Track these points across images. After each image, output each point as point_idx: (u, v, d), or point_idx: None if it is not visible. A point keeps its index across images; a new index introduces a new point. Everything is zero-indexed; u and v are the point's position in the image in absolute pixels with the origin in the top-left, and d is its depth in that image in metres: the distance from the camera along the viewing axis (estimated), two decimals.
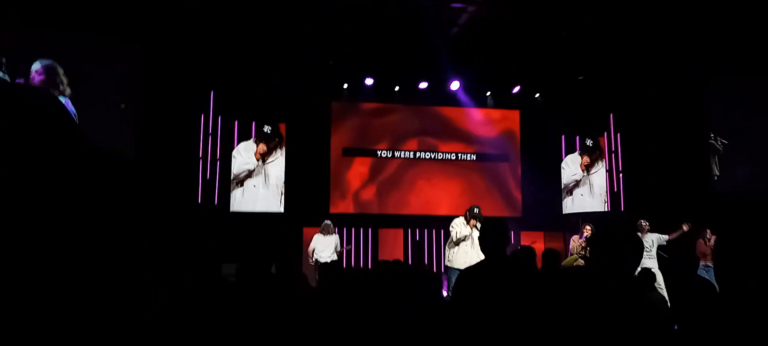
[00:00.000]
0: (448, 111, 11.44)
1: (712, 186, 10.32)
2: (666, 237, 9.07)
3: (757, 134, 9.99)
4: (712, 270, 8.95)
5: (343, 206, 10.80)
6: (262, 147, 10.26)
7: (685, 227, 8.92)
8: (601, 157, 11.45)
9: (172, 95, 8.90)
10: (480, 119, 11.58)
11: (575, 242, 9.26)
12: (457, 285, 3.83)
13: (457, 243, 7.78)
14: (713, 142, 10.32)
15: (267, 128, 10.26)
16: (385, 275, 3.71)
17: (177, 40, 8.83)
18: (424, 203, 11.08)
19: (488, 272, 3.55)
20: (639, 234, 8.94)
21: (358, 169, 10.98)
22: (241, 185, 10.10)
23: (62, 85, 7.66)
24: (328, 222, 9.02)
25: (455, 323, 3.30)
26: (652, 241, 8.97)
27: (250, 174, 10.15)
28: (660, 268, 8.93)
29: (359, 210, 10.86)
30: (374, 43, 9.32)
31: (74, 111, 7.18)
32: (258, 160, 10.20)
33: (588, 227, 9.24)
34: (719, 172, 10.30)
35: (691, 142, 10.54)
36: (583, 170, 11.49)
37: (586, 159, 11.49)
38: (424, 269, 5.92)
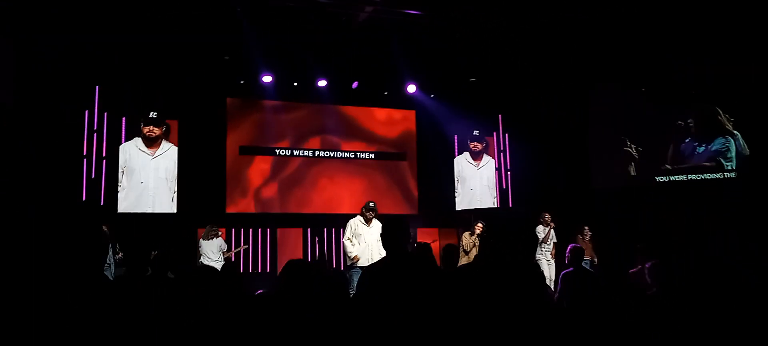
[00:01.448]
0: (348, 110, 11.49)
1: (594, 183, 11.20)
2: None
3: (633, 135, 11.01)
4: (589, 263, 9.69)
5: (243, 205, 10.55)
6: (149, 129, 9.71)
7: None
8: (487, 150, 11.97)
9: (51, 91, 8.32)
10: (379, 118, 11.74)
11: (467, 238, 9.66)
12: (361, 283, 3.89)
13: (352, 241, 8.09)
14: (628, 149, 11.16)
15: (153, 114, 9.77)
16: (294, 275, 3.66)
17: (56, 32, 8.23)
18: (326, 201, 11.07)
19: (390, 269, 3.64)
20: (541, 228, 9.53)
21: (260, 167, 10.76)
22: (125, 174, 9.54)
23: None
24: (213, 226, 9.01)
25: (360, 320, 3.35)
26: (552, 235, 9.59)
27: (130, 163, 9.60)
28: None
29: (260, 208, 10.64)
30: (272, 38, 9.18)
31: None
32: (146, 145, 9.68)
33: (480, 224, 9.68)
34: (636, 173, 11.13)
35: (574, 141, 11.37)
36: (474, 159, 11.90)
37: (475, 145, 11.92)
38: (329, 268, 5.94)
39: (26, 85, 7.97)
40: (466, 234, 9.69)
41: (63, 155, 8.77)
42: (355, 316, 3.42)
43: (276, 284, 3.60)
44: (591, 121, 11.32)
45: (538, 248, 9.58)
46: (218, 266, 8.38)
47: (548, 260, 9.48)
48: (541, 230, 9.57)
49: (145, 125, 9.71)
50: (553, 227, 9.61)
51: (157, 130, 9.78)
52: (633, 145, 11.04)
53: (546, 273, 9.34)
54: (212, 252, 8.97)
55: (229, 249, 9.54)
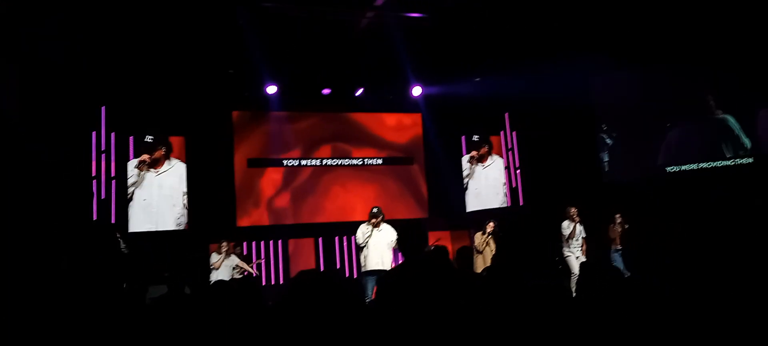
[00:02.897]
0: (356, 117, 11.48)
1: (603, 177, 11.05)
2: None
3: (638, 126, 10.86)
4: (621, 253, 9.53)
5: (256, 216, 10.54)
6: (144, 157, 9.70)
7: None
8: (491, 151, 11.90)
9: (56, 113, 8.31)
10: (388, 124, 11.72)
11: (479, 238, 9.59)
12: (379, 290, 3.84)
13: (363, 247, 8.03)
14: (604, 135, 11.04)
15: (149, 138, 9.75)
16: (305, 287, 3.62)
17: (60, 53, 8.23)
18: (339, 208, 11.03)
19: (408, 274, 3.60)
20: (568, 223, 9.20)
21: (272, 177, 10.76)
22: (132, 199, 9.55)
23: None
24: (224, 243, 8.94)
25: (379, 328, 3.30)
26: (579, 230, 9.21)
27: (133, 186, 9.59)
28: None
29: (274, 218, 10.62)
30: (275, 50, 9.18)
31: None
32: (142, 171, 9.67)
33: (491, 223, 9.62)
34: (609, 164, 11.02)
35: (582, 136, 11.26)
36: (473, 164, 11.86)
37: (475, 152, 11.89)
38: (344, 277, 5.90)
39: (31, 106, 7.94)
40: (478, 234, 9.64)
41: (72, 177, 8.76)
42: (373, 324, 3.36)
43: (286, 295, 3.55)
44: (596, 112, 11.21)
45: (566, 245, 9.15)
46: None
47: (577, 256, 9.05)
48: (566, 226, 9.12)
49: (143, 151, 9.71)
50: (579, 222, 9.24)
51: (154, 154, 9.76)
52: (609, 132, 10.90)
53: (575, 270, 9.15)
54: (225, 270, 8.89)
55: (241, 270, 9.33)
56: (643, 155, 10.83)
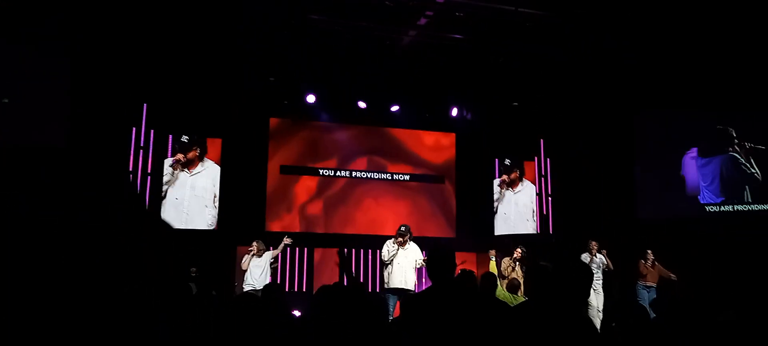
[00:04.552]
0: (393, 132, 11.54)
1: (637, 212, 10.87)
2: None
3: (676, 164, 10.70)
4: (652, 290, 9.36)
5: (288, 220, 10.65)
6: (179, 156, 9.88)
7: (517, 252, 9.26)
8: (522, 176, 11.81)
9: (102, 106, 8.56)
10: (423, 141, 11.75)
11: (506, 262, 9.50)
12: (405, 311, 3.85)
13: (388, 264, 8.01)
14: (640, 170, 10.84)
15: (184, 138, 9.94)
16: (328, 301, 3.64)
17: (109, 51, 8.49)
18: (370, 221, 11.06)
19: (435, 298, 3.59)
20: (586, 256, 9.20)
21: (306, 184, 10.89)
22: (165, 197, 9.75)
23: None
24: (255, 243, 8.81)
25: None
26: (599, 263, 9.25)
27: (167, 185, 9.77)
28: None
29: (305, 225, 10.72)
30: (316, 61, 9.31)
31: None
32: (176, 170, 9.85)
33: (519, 249, 9.50)
34: (644, 199, 10.79)
35: (618, 168, 11.11)
36: (503, 189, 11.79)
37: (506, 177, 11.82)
38: (369, 293, 5.91)
39: (80, 99, 8.19)
40: (506, 259, 9.55)
41: (111, 171, 8.96)
42: (395, 342, 3.38)
43: (310, 309, 3.56)
44: (637, 149, 11.04)
45: None
46: (263, 281, 8.29)
47: (595, 289, 9.05)
48: (584, 258, 9.18)
49: (178, 150, 9.92)
50: (595, 254, 9.24)
51: (188, 154, 9.95)
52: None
53: (593, 303, 9.07)
54: (258, 269, 8.77)
55: (275, 259, 9.20)
56: (680, 193, 10.65)
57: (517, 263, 9.38)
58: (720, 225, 10.17)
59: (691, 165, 10.63)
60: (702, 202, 10.53)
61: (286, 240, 9.00)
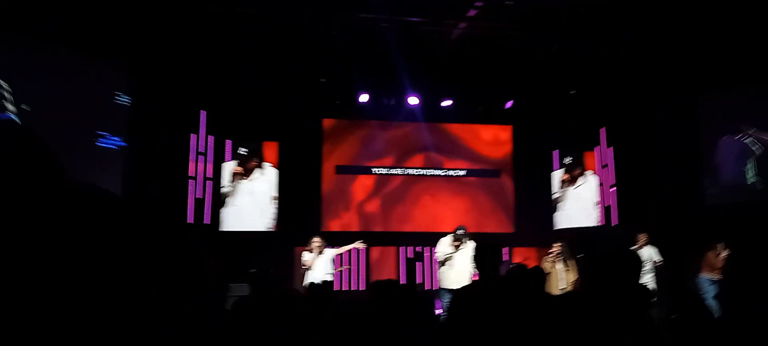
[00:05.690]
0: (448, 127, 11.46)
1: (706, 200, 10.24)
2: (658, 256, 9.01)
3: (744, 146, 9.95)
4: (718, 284, 8.83)
5: (346, 219, 10.81)
6: (237, 169, 10.19)
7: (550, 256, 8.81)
8: (583, 172, 11.43)
9: (161, 115, 8.86)
10: (479, 136, 11.61)
11: (545, 259, 9.13)
12: (452, 306, 3.77)
13: (443, 263, 7.88)
14: (748, 142, 9.95)
15: (242, 150, 10.19)
16: (377, 296, 3.64)
17: (166, 59, 8.78)
18: (428, 219, 11.03)
19: (482, 293, 3.51)
20: (635, 248, 8.85)
21: (363, 183, 11.03)
22: (225, 204, 10.03)
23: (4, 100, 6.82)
24: (315, 239, 8.60)
25: (449, 343, 3.24)
26: (648, 256, 8.90)
27: (227, 195, 10.10)
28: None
29: (364, 223, 10.84)
30: (366, 59, 9.32)
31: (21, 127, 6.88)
32: (234, 181, 10.10)
33: (556, 245, 9.03)
34: (756, 177, 9.92)
35: (684, 155, 10.53)
36: (564, 187, 11.48)
37: (567, 176, 11.48)
38: (415, 289, 5.84)
39: (139, 108, 8.49)
40: (545, 258, 9.18)
41: (172, 176, 9.26)
42: (443, 340, 3.32)
43: (365, 303, 3.56)
44: (703, 131, 10.41)
45: None
46: (327, 278, 8.20)
47: (645, 282, 8.68)
48: None
49: (238, 163, 10.20)
50: (642, 247, 8.85)
51: (247, 165, 10.24)
52: (756, 138, 9.72)
53: None
54: (321, 267, 8.62)
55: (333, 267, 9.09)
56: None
57: (558, 257, 8.97)
58: None
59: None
60: None
61: (360, 246, 8.76)
